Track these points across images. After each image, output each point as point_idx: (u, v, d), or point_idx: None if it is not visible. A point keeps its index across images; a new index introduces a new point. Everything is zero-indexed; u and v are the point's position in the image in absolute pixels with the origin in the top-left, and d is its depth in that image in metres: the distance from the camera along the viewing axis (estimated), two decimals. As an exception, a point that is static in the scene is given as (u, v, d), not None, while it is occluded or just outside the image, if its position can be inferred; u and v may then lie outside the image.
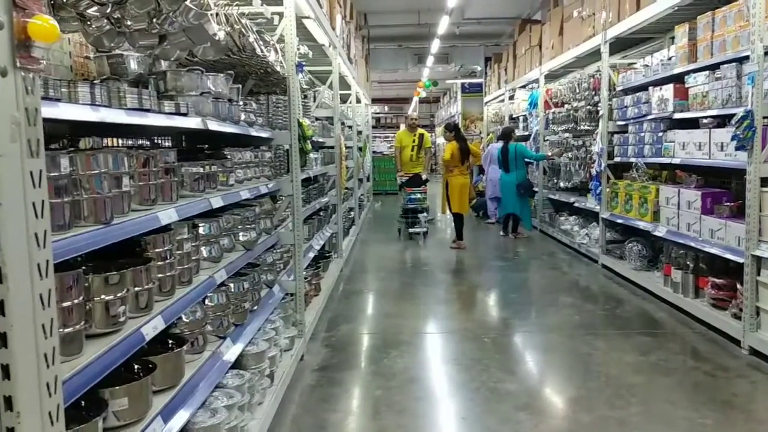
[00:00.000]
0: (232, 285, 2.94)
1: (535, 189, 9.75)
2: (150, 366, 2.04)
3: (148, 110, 2.11)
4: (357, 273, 6.88)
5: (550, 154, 8.98)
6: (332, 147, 6.81)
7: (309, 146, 4.02)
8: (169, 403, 2.04)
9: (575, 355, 4.18)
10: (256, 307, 3.25)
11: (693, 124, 5.15)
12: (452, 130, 8.48)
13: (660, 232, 5.37)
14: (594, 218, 7.63)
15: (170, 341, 2.33)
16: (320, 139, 6.54)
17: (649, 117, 5.81)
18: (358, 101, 11.40)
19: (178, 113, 2.38)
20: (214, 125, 2.64)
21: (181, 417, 2.07)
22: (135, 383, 1.89)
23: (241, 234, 3.18)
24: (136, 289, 1.93)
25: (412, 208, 8.92)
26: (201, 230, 2.70)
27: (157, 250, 2.14)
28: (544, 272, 6.85)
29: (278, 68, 3.69)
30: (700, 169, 5.15)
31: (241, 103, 3.37)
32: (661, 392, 3.53)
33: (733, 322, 4.24)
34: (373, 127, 33.01)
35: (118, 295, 1.81)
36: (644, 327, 4.76)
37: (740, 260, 4.08)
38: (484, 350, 4.29)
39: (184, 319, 2.43)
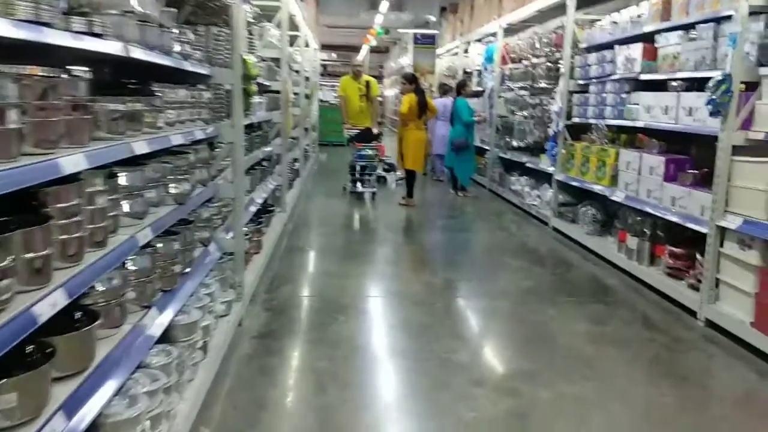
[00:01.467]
0: (159, 245, 2.54)
1: (486, 147, 9.54)
2: (48, 350, 1.64)
3: (47, 24, 1.64)
4: (301, 228, 6.51)
5: (477, 118, 8.91)
6: (278, 92, 6.30)
7: (254, 88, 3.57)
8: (74, 394, 1.66)
9: (527, 324, 3.99)
10: (188, 270, 2.85)
11: (659, 86, 4.96)
12: (411, 81, 8.05)
13: (618, 197, 5.22)
14: (546, 180, 7.47)
15: (81, 314, 1.93)
16: (265, 82, 6.02)
17: (614, 77, 5.59)
18: (307, 45, 10.76)
19: (90, 33, 1.91)
20: (138, 53, 2.18)
21: (89, 410, 1.70)
22: (26, 375, 1.50)
23: (172, 186, 2.76)
24: (28, 255, 1.52)
25: (362, 166, 8.34)
26: (121, 181, 2.27)
27: (59, 205, 1.71)
28: (493, 233, 6.67)
29: (220, -6, 3.19)
30: (663, 134, 4.99)
31: (175, 31, 2.89)
32: (617, 366, 3.40)
33: (689, 293, 4.15)
34: (321, 74, 32.03)
35: (0, 264, 1.39)
36: (597, 294, 4.64)
37: (703, 230, 3.95)
38: (432, 316, 4.04)
39: (98, 287, 2.02)
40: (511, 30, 9.20)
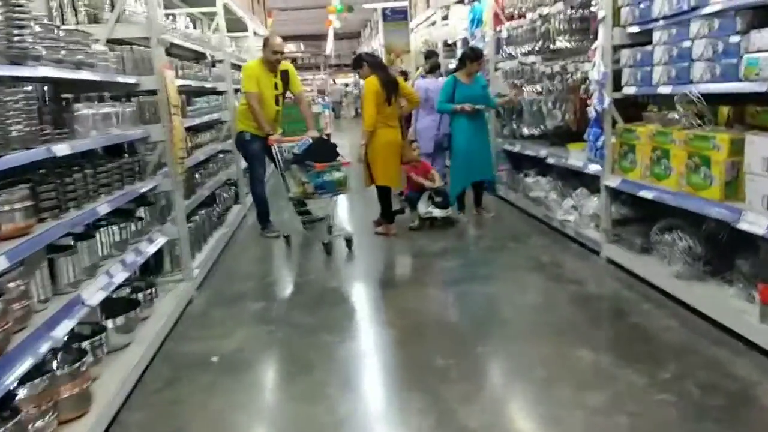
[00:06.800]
0: None
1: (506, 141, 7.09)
2: None
3: None
4: (216, 306, 4.07)
5: (458, 107, 5.75)
6: (153, 92, 3.88)
7: None
8: None
9: None
10: None
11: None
12: (363, 61, 5.56)
13: (756, 225, 2.85)
14: (581, 181, 5.13)
15: None
16: (128, 80, 3.62)
17: (706, 10, 3.24)
18: (233, 28, 8.36)
19: None
20: None
21: None
22: None
23: None
24: None
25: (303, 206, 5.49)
26: None
27: None
28: (521, 277, 4.28)
29: None
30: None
31: None
32: None
33: None
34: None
35: None
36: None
37: None
38: None
39: None
40: (503, -22, 6.78)
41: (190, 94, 5.64)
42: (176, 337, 3.54)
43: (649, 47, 3.84)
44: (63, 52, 2.79)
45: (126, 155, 3.79)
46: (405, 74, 8.41)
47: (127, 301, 3.30)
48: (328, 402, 2.73)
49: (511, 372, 2.98)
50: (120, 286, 3.44)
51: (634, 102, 4.35)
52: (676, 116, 3.66)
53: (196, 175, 5.23)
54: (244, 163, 6.47)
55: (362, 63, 5.47)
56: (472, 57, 5.81)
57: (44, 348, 2.26)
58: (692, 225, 3.66)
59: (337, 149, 5.27)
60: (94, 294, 2.76)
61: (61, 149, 2.60)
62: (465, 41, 8.13)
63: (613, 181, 4.23)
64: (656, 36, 3.77)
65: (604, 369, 2.86)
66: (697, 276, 3.50)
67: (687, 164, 3.43)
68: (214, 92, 6.65)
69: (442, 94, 5.88)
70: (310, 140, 5.27)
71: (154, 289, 3.60)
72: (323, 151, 5.13)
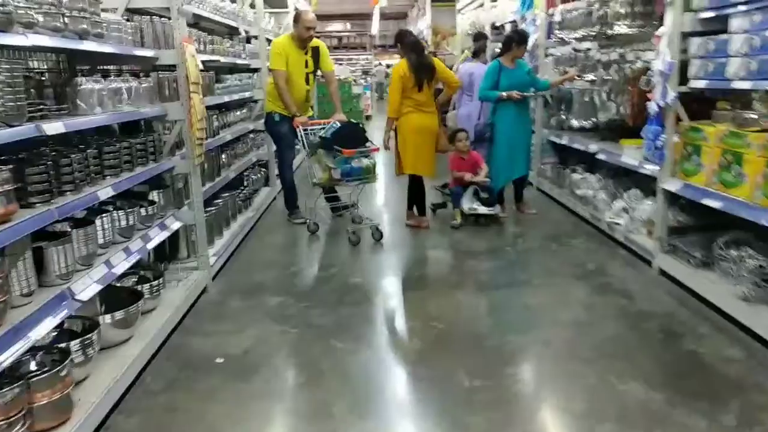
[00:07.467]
0: None
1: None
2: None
3: None
4: (231, 297, 3.82)
5: (504, 95, 5.31)
6: (172, 68, 3.62)
7: None
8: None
9: None
10: None
11: None
12: (398, 41, 5.18)
13: None
14: (634, 181, 4.70)
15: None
16: (146, 54, 3.36)
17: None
18: (274, 3, 8.07)
19: None
20: None
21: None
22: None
23: None
24: None
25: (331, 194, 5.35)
26: None
27: None
28: (563, 286, 3.89)
29: None
30: None
31: None
32: None
33: None
34: (334, 47, 29.15)
35: None
36: None
37: None
38: None
39: None
40: (559, -43, 6.27)
41: (220, 70, 5.39)
42: (184, 331, 3.31)
43: (724, 36, 3.37)
44: (64, 20, 2.53)
45: (143, 134, 3.55)
46: (434, 54, 7.87)
47: (130, 292, 3.06)
48: (332, 424, 2.44)
49: (546, 401, 2.62)
50: (126, 274, 3.24)
51: (701, 97, 3.88)
52: (753, 116, 3.19)
53: (223, 156, 5.00)
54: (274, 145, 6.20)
55: (405, 43, 5.10)
56: (518, 40, 5.37)
57: (16, 350, 2.02)
58: (762, 240, 3.22)
59: (366, 134, 4.94)
60: (87, 287, 2.52)
61: (54, 127, 2.34)
62: (514, 24, 7.64)
63: (672, 185, 3.79)
64: (734, 23, 3.30)
65: (655, 405, 2.48)
66: (766, 300, 3.06)
67: (764, 173, 2.98)
68: (248, 69, 6.39)
69: (486, 80, 5.45)
70: (338, 124, 4.94)
71: (161, 279, 3.35)
72: (352, 135, 4.81)
